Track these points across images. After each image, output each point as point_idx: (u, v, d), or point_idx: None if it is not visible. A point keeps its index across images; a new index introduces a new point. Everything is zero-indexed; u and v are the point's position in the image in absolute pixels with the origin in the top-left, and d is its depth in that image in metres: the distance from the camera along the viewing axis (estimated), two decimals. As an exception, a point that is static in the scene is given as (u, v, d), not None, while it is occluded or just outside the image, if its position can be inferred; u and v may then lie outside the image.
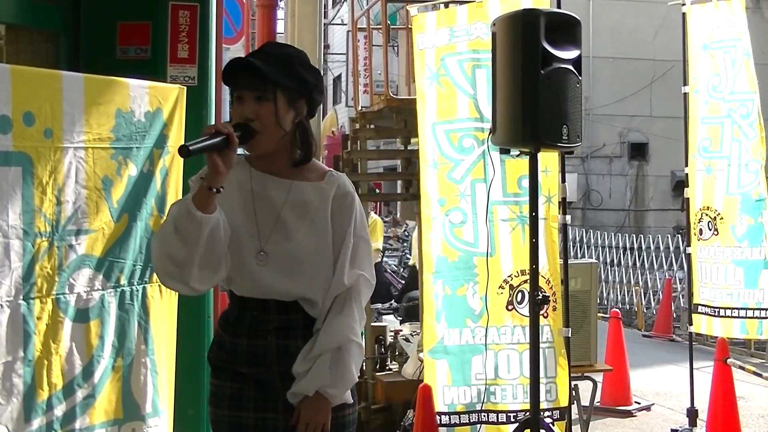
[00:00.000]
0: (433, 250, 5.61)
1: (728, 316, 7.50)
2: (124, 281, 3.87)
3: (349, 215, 3.33)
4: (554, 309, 5.59)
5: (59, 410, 3.58)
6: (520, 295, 5.52)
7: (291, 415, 3.27)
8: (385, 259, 12.76)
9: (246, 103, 3.20)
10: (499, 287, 5.57)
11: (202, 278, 3.14)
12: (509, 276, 5.56)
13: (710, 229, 7.50)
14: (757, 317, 7.42)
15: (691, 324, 7.77)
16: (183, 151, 2.96)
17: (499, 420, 5.63)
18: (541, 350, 5.39)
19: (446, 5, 6.82)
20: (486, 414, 5.58)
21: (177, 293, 4.07)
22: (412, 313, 10.50)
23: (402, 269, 16.29)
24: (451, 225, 5.61)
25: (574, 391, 6.20)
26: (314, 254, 3.28)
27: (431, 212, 5.64)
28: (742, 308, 7.43)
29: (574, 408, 6.43)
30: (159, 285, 4.01)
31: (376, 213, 12.26)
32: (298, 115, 3.31)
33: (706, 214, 7.55)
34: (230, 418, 3.30)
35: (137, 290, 3.94)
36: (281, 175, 3.31)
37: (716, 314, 7.55)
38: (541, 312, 5.37)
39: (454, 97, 5.68)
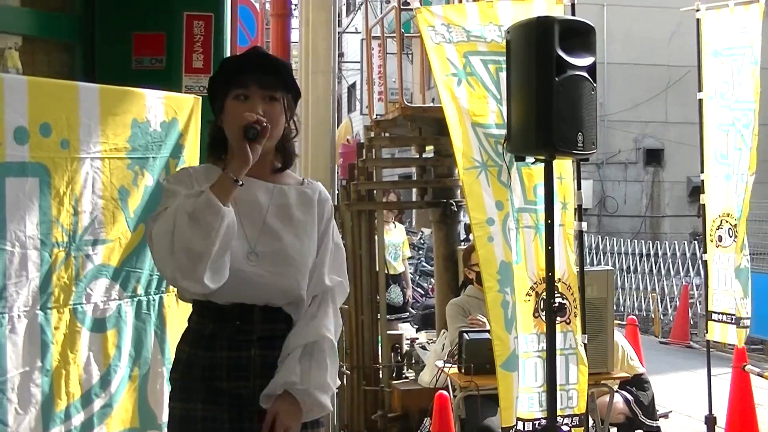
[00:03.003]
0: (497, 255, 5.41)
1: (744, 327, 7.46)
2: (140, 291, 3.88)
3: (329, 220, 3.38)
4: (576, 315, 5.56)
5: (77, 420, 3.60)
6: (542, 302, 5.47)
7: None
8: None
9: (254, 101, 3.16)
10: (526, 295, 5.49)
11: (212, 277, 3.03)
12: (535, 283, 5.48)
13: (731, 236, 7.45)
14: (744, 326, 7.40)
15: (707, 331, 7.74)
16: (250, 133, 3.05)
17: (525, 429, 5.56)
18: (564, 357, 5.35)
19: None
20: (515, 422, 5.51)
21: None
22: (428, 321, 10.51)
23: (418, 277, 16.24)
24: (509, 230, 5.47)
25: (590, 399, 6.17)
26: (302, 254, 3.25)
27: (485, 215, 5.38)
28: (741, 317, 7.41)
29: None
30: (175, 294, 4.02)
31: (394, 222, 12.09)
32: (287, 120, 3.30)
33: (726, 221, 7.50)
34: None
35: (153, 300, 3.95)
36: (262, 178, 3.28)
37: (732, 322, 7.50)
38: (564, 318, 5.34)
39: (485, 101, 5.54)
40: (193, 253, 2.98)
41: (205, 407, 3.15)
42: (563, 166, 5.53)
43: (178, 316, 4.07)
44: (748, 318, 7.34)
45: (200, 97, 4.16)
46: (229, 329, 3.18)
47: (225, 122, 3.19)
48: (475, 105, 5.50)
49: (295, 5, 11.10)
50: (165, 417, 3.95)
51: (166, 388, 3.98)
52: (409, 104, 8.92)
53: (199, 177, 3.21)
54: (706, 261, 7.61)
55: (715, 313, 7.55)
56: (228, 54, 5.12)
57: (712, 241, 7.49)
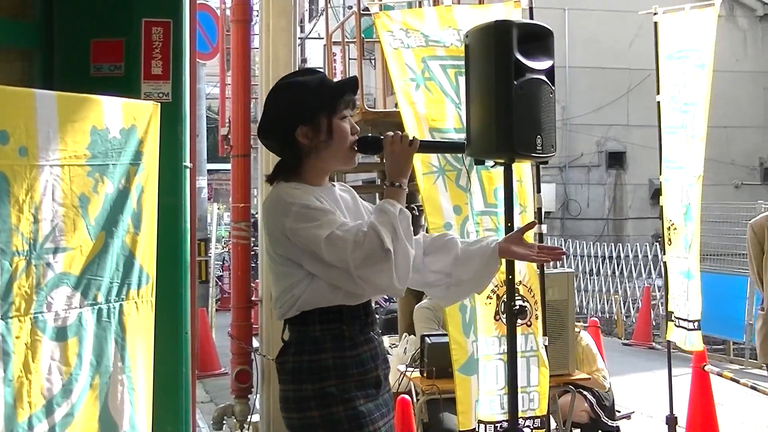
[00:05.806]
0: None
1: (679, 327, 7.49)
2: (101, 299, 3.86)
3: None
4: (536, 318, 5.59)
5: (40, 429, 3.57)
6: (503, 305, 5.49)
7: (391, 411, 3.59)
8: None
9: (348, 120, 3.56)
10: (487, 297, 5.51)
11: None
12: (495, 286, 5.49)
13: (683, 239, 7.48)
14: (688, 328, 7.41)
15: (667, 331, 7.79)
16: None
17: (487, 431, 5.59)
18: (525, 359, 5.39)
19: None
20: (477, 425, 5.54)
21: (153, 309, 4.07)
22: (390, 326, 10.50)
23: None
24: (468, 234, 5.50)
25: (552, 401, 6.21)
26: None
27: (442, 220, 5.49)
28: (684, 319, 7.42)
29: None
30: (135, 302, 4.01)
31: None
32: None
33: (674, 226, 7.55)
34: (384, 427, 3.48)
35: (114, 307, 3.93)
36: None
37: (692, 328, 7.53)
38: (524, 321, 5.37)
39: (443, 105, 5.57)
40: (409, 260, 3.32)
41: (365, 401, 3.42)
42: (522, 170, 5.57)
43: (139, 323, 4.05)
44: (697, 320, 7.37)
45: (159, 104, 4.14)
46: (358, 325, 3.47)
47: (336, 138, 3.52)
48: (432, 110, 5.54)
49: (257, 11, 11.07)
50: (126, 425, 3.95)
51: (127, 396, 3.97)
52: (370, 109, 8.94)
53: (316, 195, 3.47)
54: (665, 262, 7.66)
55: (674, 316, 7.57)
56: (187, 60, 5.10)
57: (669, 244, 7.54)
